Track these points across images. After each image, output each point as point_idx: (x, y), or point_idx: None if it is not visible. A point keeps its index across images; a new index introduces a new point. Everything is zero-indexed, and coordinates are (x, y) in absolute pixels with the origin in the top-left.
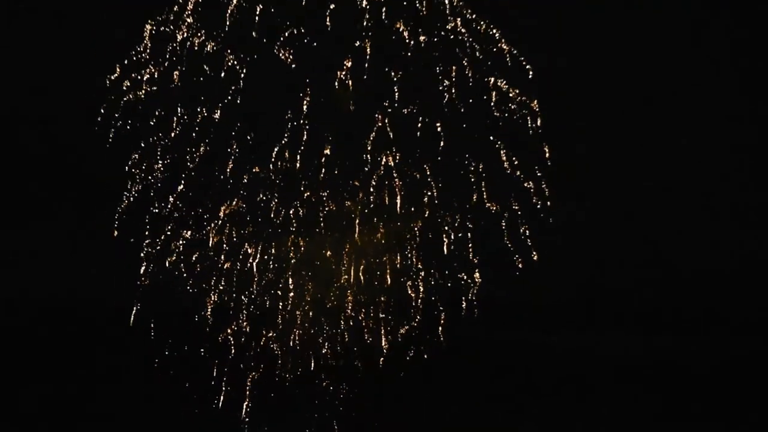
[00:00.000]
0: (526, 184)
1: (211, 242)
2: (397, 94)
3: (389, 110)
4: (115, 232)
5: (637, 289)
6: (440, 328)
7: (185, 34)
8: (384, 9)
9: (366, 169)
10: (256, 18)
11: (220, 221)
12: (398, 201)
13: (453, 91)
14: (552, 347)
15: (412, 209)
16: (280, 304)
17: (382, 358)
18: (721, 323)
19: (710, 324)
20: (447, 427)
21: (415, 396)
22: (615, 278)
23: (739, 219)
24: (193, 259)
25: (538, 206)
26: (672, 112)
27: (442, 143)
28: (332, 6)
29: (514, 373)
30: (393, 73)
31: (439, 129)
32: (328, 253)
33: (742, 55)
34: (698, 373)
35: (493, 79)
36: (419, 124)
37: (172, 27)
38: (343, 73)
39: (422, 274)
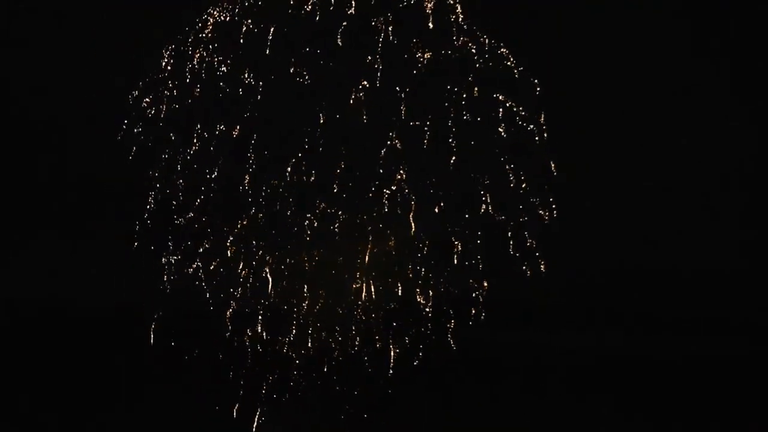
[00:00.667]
0: (532, 199)
1: (229, 252)
2: (407, 109)
3: (399, 125)
4: (135, 243)
5: (638, 289)
6: (449, 335)
7: (204, 53)
8: (392, 28)
9: (378, 182)
10: (270, 37)
11: (237, 231)
12: (411, 212)
13: (463, 105)
14: (554, 347)
15: (423, 220)
16: (295, 310)
17: (392, 362)
18: (721, 323)
19: (710, 324)
20: (452, 427)
21: (423, 398)
22: (615, 278)
23: (739, 219)
24: (211, 267)
25: (546, 218)
26: (672, 112)
27: (452, 157)
28: (344, 23)
29: (517, 374)
30: (403, 89)
31: (450, 142)
32: (341, 260)
33: (742, 55)
34: (699, 373)
35: (500, 96)
36: (429, 138)
37: (191, 46)
38: (359, 91)
39: (431, 281)
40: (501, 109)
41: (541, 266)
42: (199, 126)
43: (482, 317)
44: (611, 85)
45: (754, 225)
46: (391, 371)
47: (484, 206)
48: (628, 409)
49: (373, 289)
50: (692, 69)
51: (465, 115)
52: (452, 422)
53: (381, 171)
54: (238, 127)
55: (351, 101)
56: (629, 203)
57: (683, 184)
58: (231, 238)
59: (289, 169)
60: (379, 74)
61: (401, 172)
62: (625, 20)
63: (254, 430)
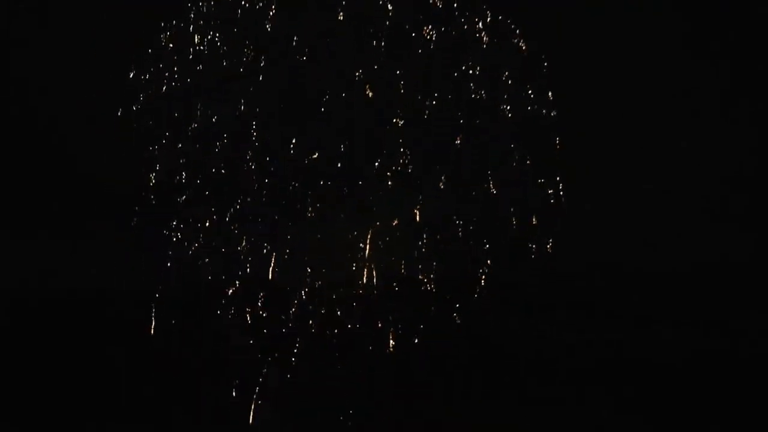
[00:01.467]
0: (540, 180)
1: (232, 228)
2: (412, 87)
3: (403, 102)
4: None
5: (637, 292)
6: (451, 315)
7: (205, 29)
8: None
9: (381, 160)
10: (272, 13)
11: (238, 209)
12: (415, 191)
13: (471, 85)
14: (552, 345)
15: (427, 200)
16: (297, 291)
17: (392, 344)
18: (721, 325)
19: (711, 326)
20: (453, 414)
21: (423, 383)
22: (613, 280)
23: (739, 221)
24: (213, 244)
25: (552, 201)
26: (672, 113)
27: (458, 138)
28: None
29: (518, 368)
30: (407, 67)
31: (458, 120)
32: (344, 238)
33: (743, 57)
34: (699, 374)
35: (507, 73)
36: (434, 118)
37: (192, 23)
38: (362, 69)
39: (435, 261)
40: (507, 86)
41: (548, 247)
42: (200, 104)
43: (486, 299)
44: (609, 87)
45: (754, 227)
46: (391, 348)
47: (488, 186)
48: (628, 410)
49: (375, 269)
50: (692, 71)
51: (473, 94)
52: (450, 406)
53: (384, 151)
54: (242, 101)
55: (355, 78)
56: (628, 206)
57: (683, 187)
58: (232, 211)
59: (292, 144)
60: (382, 48)
61: (405, 150)
62: (624, 21)
63: (252, 412)
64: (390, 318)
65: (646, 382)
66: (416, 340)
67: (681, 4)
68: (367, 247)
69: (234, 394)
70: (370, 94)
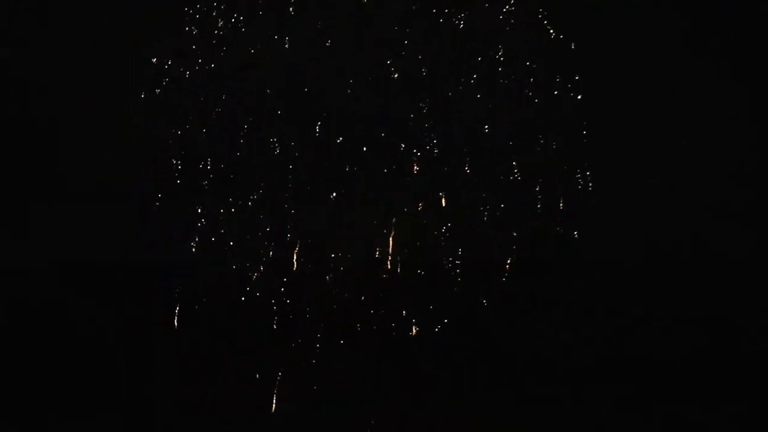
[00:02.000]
0: (566, 166)
1: (261, 216)
2: (436, 72)
3: (427, 87)
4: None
5: (637, 289)
6: (483, 301)
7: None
8: None
9: (405, 145)
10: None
11: (260, 195)
12: (439, 176)
13: (499, 70)
14: (550, 343)
15: (450, 188)
16: (318, 277)
17: (414, 332)
18: (722, 323)
19: (711, 323)
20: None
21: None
22: (613, 279)
23: (739, 218)
24: (237, 231)
25: (579, 186)
26: (672, 110)
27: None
28: None
29: (515, 366)
30: (432, 52)
31: (486, 106)
32: (366, 227)
33: (743, 55)
34: (699, 371)
35: (533, 57)
36: (458, 102)
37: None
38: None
39: (459, 248)
40: (533, 68)
41: (575, 234)
42: (221, 90)
43: (506, 291)
44: (608, 84)
45: (755, 225)
46: (412, 332)
47: (512, 170)
48: (628, 408)
49: (398, 255)
50: (692, 68)
51: (501, 79)
52: (455, 400)
53: (408, 136)
54: (269, 89)
55: (379, 62)
56: (628, 202)
57: (683, 184)
58: (254, 197)
59: (318, 126)
60: (407, 31)
61: (431, 134)
62: (622, 19)
63: (274, 400)
64: (415, 304)
65: (646, 379)
66: (438, 328)
67: (681, 1)
68: (392, 233)
69: (257, 377)
70: (396, 76)
